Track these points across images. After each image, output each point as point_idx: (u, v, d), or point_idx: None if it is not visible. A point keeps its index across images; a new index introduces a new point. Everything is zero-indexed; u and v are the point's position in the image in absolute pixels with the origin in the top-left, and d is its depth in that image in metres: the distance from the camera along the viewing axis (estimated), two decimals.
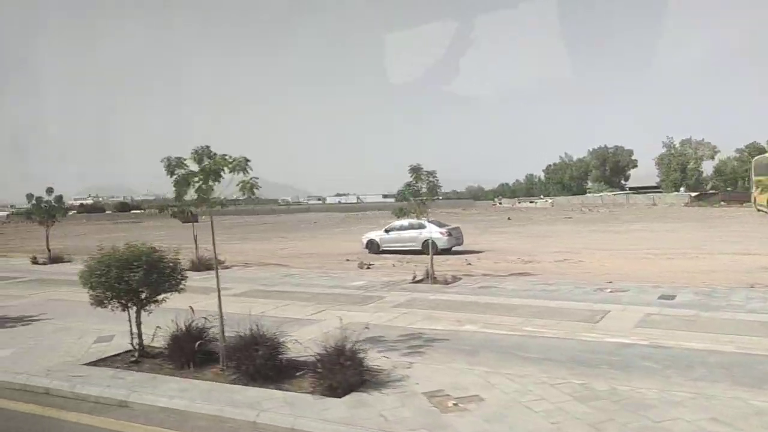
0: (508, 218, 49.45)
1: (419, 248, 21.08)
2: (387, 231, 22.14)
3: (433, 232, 21.07)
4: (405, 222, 22.69)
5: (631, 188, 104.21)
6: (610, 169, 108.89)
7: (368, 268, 17.84)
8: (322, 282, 14.91)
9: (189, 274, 17.51)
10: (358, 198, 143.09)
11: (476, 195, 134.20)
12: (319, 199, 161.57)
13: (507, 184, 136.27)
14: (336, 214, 76.72)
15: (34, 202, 22.92)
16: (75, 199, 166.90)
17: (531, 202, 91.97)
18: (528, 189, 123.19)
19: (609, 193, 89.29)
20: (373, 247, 22.10)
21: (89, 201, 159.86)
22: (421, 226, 21.57)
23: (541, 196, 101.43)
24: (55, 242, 31.66)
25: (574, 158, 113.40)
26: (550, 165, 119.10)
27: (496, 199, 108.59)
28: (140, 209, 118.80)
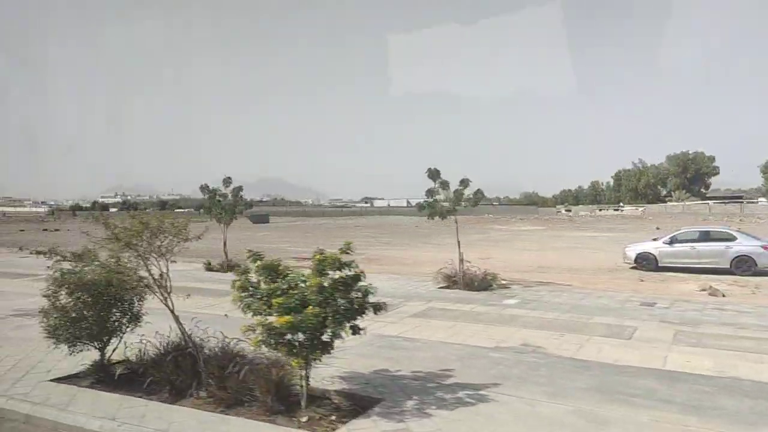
0: (657, 227, 42.35)
1: (726, 266, 16.05)
2: (671, 242, 17.10)
3: (749, 245, 16.12)
4: (699, 230, 17.72)
5: (707, 197, 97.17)
6: (690, 176, 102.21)
7: (723, 296, 12.93)
8: (750, 321, 10.03)
9: (466, 295, 12.29)
10: (389, 204, 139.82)
11: (533, 201, 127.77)
12: (366, 202, 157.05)
13: (569, 189, 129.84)
14: (400, 218, 70.48)
15: (208, 195, 18.59)
16: (102, 197, 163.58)
17: (616, 209, 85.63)
18: (594, 196, 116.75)
19: (711, 202, 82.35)
20: (647, 262, 17.14)
21: (118, 200, 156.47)
22: (728, 237, 16.61)
23: (621, 204, 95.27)
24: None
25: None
26: (620, 171, 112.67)
27: (561, 206, 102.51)
28: (180, 208, 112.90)
